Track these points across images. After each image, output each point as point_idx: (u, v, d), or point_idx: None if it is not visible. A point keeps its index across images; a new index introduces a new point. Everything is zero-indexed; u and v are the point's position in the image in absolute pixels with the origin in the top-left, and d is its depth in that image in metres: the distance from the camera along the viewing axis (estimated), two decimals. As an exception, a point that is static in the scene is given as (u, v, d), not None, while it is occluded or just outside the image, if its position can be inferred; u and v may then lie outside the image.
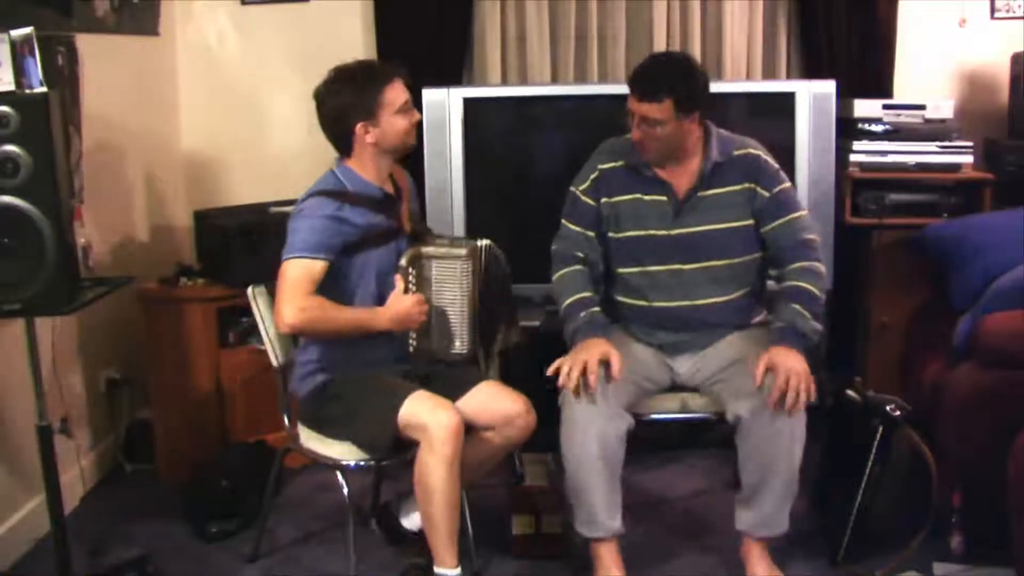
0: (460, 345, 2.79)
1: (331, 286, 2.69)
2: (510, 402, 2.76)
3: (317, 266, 2.64)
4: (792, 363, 2.64)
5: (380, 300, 2.74)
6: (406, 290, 2.72)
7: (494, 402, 2.76)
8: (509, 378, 2.98)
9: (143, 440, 3.66)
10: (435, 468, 2.55)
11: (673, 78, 2.74)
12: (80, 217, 2.91)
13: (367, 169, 2.77)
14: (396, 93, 2.72)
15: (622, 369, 2.70)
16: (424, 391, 2.65)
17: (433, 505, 2.58)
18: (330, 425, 2.75)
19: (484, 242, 2.84)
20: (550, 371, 2.71)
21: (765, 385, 2.65)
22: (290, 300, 2.61)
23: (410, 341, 2.76)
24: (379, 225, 2.76)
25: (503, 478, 3.16)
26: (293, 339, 2.88)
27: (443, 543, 2.61)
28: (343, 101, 2.69)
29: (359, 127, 2.70)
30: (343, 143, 2.76)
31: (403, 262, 2.72)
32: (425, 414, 2.57)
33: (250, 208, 3.78)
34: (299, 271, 2.63)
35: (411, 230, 2.84)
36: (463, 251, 2.75)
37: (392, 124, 2.72)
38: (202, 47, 4.19)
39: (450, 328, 2.78)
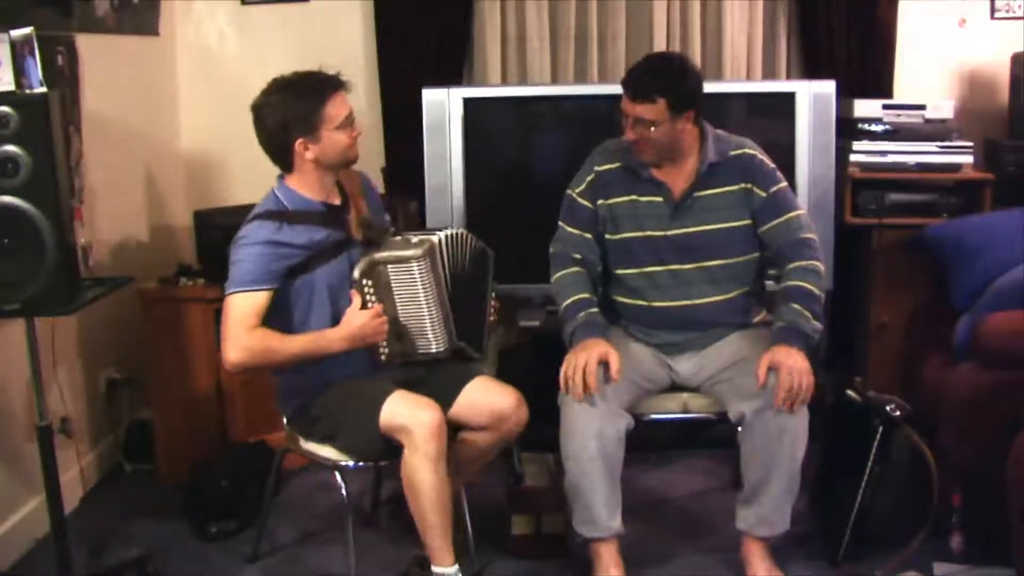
0: (435, 344, 2.70)
1: (282, 312, 2.63)
2: (501, 398, 2.75)
3: (260, 298, 2.57)
4: (794, 362, 2.64)
5: (337, 317, 2.65)
6: (364, 303, 2.63)
7: (486, 400, 2.74)
8: (509, 378, 2.97)
9: (143, 440, 3.66)
10: (420, 467, 2.52)
11: (666, 78, 2.74)
12: (80, 217, 2.92)
13: (309, 185, 2.68)
14: (337, 107, 2.63)
15: (621, 369, 2.70)
16: (403, 391, 2.61)
17: (423, 505, 2.56)
18: (320, 439, 2.74)
19: (443, 233, 2.75)
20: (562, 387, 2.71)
21: (768, 384, 2.66)
22: (233, 340, 2.55)
23: (381, 350, 2.68)
24: (325, 240, 2.67)
25: (503, 478, 3.16)
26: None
27: (437, 542, 2.60)
28: (282, 116, 2.60)
29: (299, 144, 2.61)
30: (283, 159, 2.67)
31: (356, 274, 2.63)
32: (405, 415, 2.54)
33: (250, 208, 3.76)
34: (241, 306, 2.56)
35: (363, 237, 2.75)
36: (418, 251, 2.63)
37: (333, 140, 2.63)
38: (202, 47, 4.19)
39: (420, 329, 2.68)
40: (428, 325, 2.68)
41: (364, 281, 2.63)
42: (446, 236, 2.76)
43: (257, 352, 2.57)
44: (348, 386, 2.68)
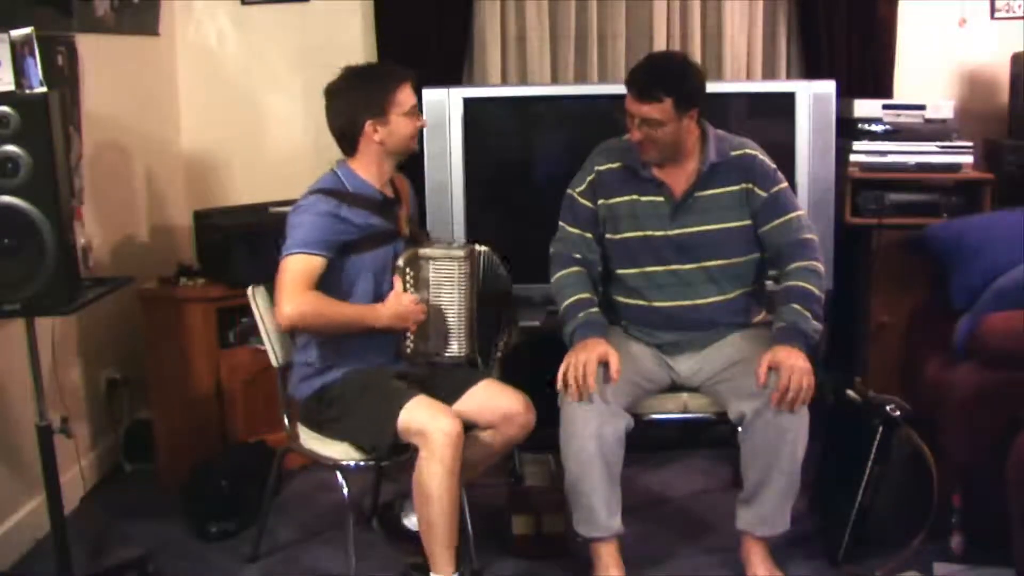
0: (457, 348, 2.79)
1: (329, 284, 2.68)
2: (510, 400, 2.76)
3: (316, 262, 2.64)
4: (795, 361, 2.64)
5: (376, 301, 2.73)
6: (404, 289, 2.72)
7: (494, 401, 2.76)
8: (509, 378, 2.97)
9: (143, 440, 3.66)
10: (435, 475, 2.54)
11: (671, 77, 2.74)
12: (80, 217, 2.91)
13: (369, 170, 2.77)
14: (406, 95, 2.73)
15: (620, 369, 2.70)
16: (424, 396, 2.63)
17: (432, 511, 2.57)
18: (329, 427, 2.75)
19: (483, 248, 2.85)
20: (559, 386, 2.71)
21: (768, 384, 2.66)
22: (290, 295, 2.61)
23: (407, 342, 2.76)
24: (377, 226, 2.75)
25: (503, 478, 3.16)
26: (292, 340, 2.87)
27: (440, 549, 2.60)
28: (354, 98, 2.70)
29: (368, 125, 2.71)
30: (349, 141, 2.76)
31: (400, 262, 2.74)
32: (425, 420, 2.56)
33: (250, 208, 3.78)
34: (298, 266, 2.62)
35: (408, 234, 2.84)
36: (460, 253, 2.77)
37: (400, 125, 2.73)
38: (202, 47, 4.18)
39: (447, 330, 2.78)
40: (455, 326, 2.78)
41: (407, 270, 2.73)
42: (486, 250, 2.85)
43: (311, 310, 2.62)
44: (372, 380, 2.71)
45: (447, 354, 2.80)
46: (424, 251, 2.77)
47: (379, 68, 2.79)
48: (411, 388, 2.67)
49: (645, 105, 2.73)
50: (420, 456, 2.57)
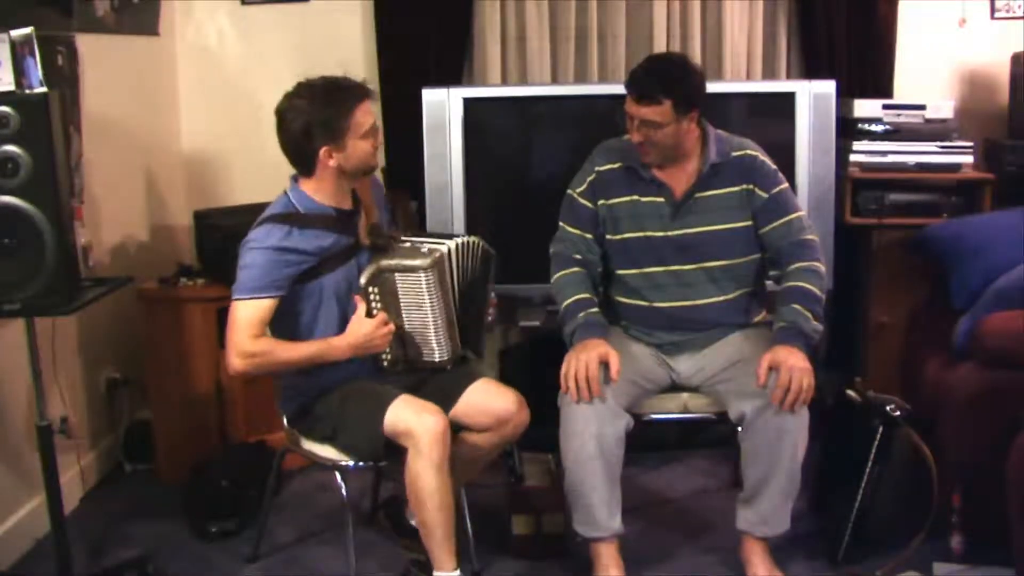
0: (439, 353, 2.69)
1: (289, 316, 2.62)
2: (503, 402, 2.74)
3: (264, 305, 2.56)
4: (795, 361, 2.64)
5: (344, 321, 2.64)
6: (368, 311, 2.60)
7: (488, 404, 2.74)
8: (509, 378, 2.98)
9: (143, 440, 3.66)
10: (424, 473, 2.52)
11: (671, 79, 2.74)
12: (80, 217, 2.91)
13: (325, 191, 2.66)
14: (364, 115, 2.61)
15: (620, 370, 2.70)
16: (408, 395, 2.60)
17: (426, 510, 2.56)
18: (321, 439, 2.74)
19: (454, 243, 2.73)
20: (561, 387, 2.71)
21: (768, 384, 2.66)
22: (237, 346, 2.55)
23: (383, 356, 2.67)
24: (334, 246, 2.66)
25: (503, 478, 3.16)
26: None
27: (439, 546, 2.60)
28: (307, 121, 2.57)
29: (323, 151, 2.59)
30: (304, 164, 2.64)
31: (362, 281, 2.60)
32: (410, 419, 2.54)
33: (250, 208, 3.75)
34: (245, 314, 2.55)
35: (371, 243, 2.72)
36: (426, 261, 2.59)
37: (357, 148, 2.61)
38: (202, 47, 4.19)
39: (424, 338, 2.68)
40: (433, 334, 2.67)
41: (370, 288, 2.61)
42: (456, 245, 2.74)
43: (260, 360, 2.57)
44: (351, 388, 2.67)
45: (430, 360, 2.71)
46: (386, 263, 2.61)
47: (334, 87, 2.60)
48: (394, 390, 2.62)
49: (645, 107, 2.73)
50: (409, 455, 2.55)
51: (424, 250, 2.67)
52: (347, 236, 2.70)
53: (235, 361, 2.57)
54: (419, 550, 2.79)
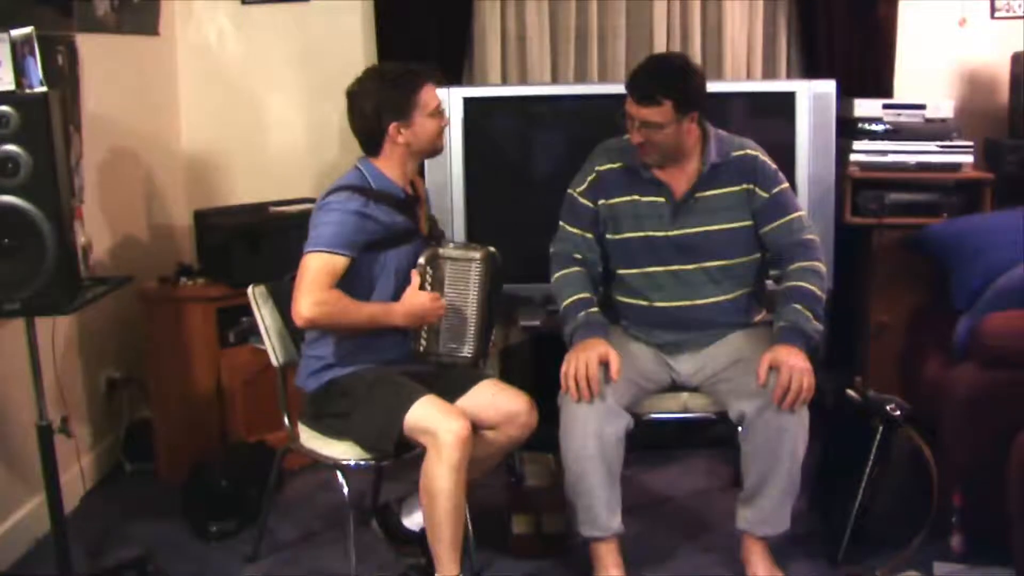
0: (467, 350, 2.77)
1: (351, 282, 2.67)
2: (512, 400, 2.76)
3: (339, 261, 2.62)
4: (795, 361, 2.65)
5: (396, 298, 2.72)
6: (422, 287, 2.70)
7: (496, 400, 2.75)
8: (509, 378, 2.98)
9: (143, 440, 3.66)
10: (442, 475, 2.54)
11: (671, 80, 2.74)
12: (80, 217, 2.91)
13: (393, 170, 2.75)
14: (430, 96, 2.72)
15: (620, 369, 2.70)
16: (433, 396, 2.63)
17: (438, 511, 2.57)
18: (334, 422, 2.74)
19: (491, 249, 2.83)
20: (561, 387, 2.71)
21: (768, 384, 2.66)
22: (308, 293, 2.59)
23: (421, 341, 2.74)
24: (400, 225, 2.75)
25: (503, 478, 3.16)
26: (299, 334, 2.86)
27: (446, 549, 2.60)
28: (378, 100, 2.68)
29: (392, 127, 2.69)
30: (373, 142, 2.74)
31: (422, 260, 2.71)
32: (435, 420, 2.56)
33: (250, 208, 3.78)
34: (320, 265, 2.60)
35: (428, 233, 2.84)
36: (477, 254, 2.74)
37: (424, 126, 2.72)
38: (202, 47, 4.18)
39: (460, 331, 2.76)
40: (469, 327, 2.76)
41: (427, 268, 2.71)
42: (495, 252, 2.82)
43: (330, 308, 2.60)
44: (381, 376, 2.70)
45: (458, 355, 2.78)
46: (443, 251, 2.75)
47: (402, 68, 2.74)
48: (421, 387, 2.67)
49: (645, 108, 2.72)
50: (428, 456, 2.57)
51: (472, 247, 2.80)
52: (410, 220, 2.78)
53: (304, 307, 2.58)
54: (415, 555, 2.79)
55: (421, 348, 2.75)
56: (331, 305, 2.60)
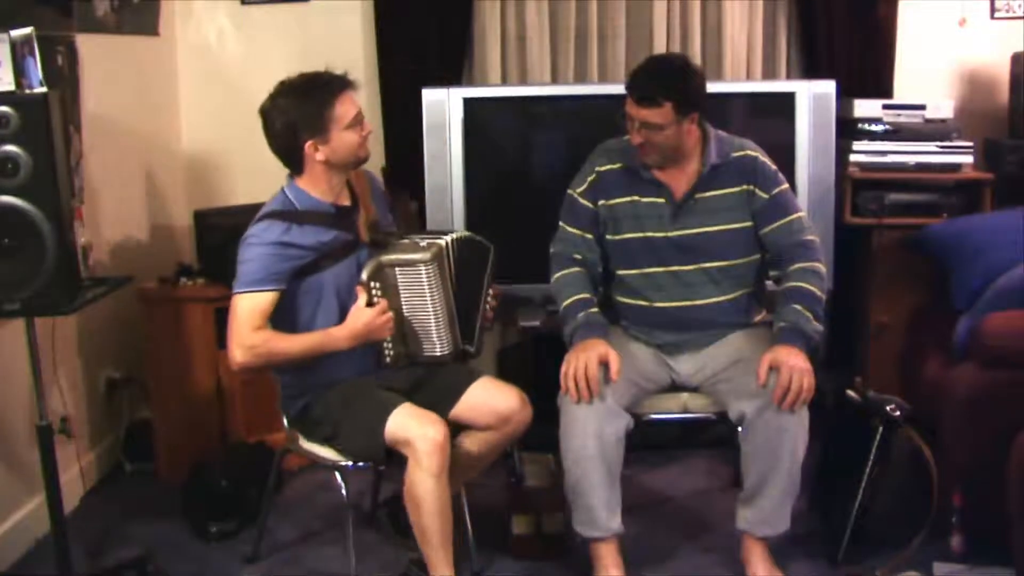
0: (440, 347, 2.70)
1: (289, 312, 2.63)
2: (506, 400, 2.75)
3: (265, 298, 2.57)
4: (795, 361, 2.65)
5: (344, 317, 2.64)
6: (369, 302, 2.60)
7: (490, 402, 2.74)
8: (509, 378, 2.97)
9: (143, 440, 3.66)
10: (423, 482, 2.53)
11: (671, 81, 2.74)
12: (80, 217, 2.91)
13: (318, 186, 2.68)
14: (346, 107, 2.62)
15: (620, 370, 2.70)
16: (409, 404, 2.60)
17: (423, 517, 2.56)
18: (322, 440, 2.74)
19: (450, 237, 2.74)
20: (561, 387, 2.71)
21: (768, 384, 2.66)
22: (238, 339, 2.56)
23: (387, 352, 2.67)
24: (333, 242, 2.67)
25: (503, 478, 3.16)
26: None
27: (436, 552, 2.60)
28: (290, 118, 2.59)
29: (308, 145, 2.61)
30: (292, 161, 2.66)
31: (364, 276, 2.61)
32: (411, 429, 2.54)
33: (250, 208, 3.73)
34: (246, 306, 2.57)
35: (372, 239, 2.74)
36: (426, 255, 2.61)
37: (343, 140, 2.63)
38: (202, 47, 4.18)
39: (426, 332, 2.68)
40: (434, 328, 2.68)
41: (372, 283, 2.62)
42: (452, 239, 2.74)
43: (262, 352, 2.58)
44: (353, 388, 2.68)
45: (433, 355, 2.71)
46: (387, 258, 2.63)
47: (313, 81, 2.63)
48: (396, 397, 2.63)
49: (645, 109, 2.72)
50: (408, 465, 2.55)
51: (423, 244, 2.68)
52: (346, 232, 2.71)
53: (237, 353, 2.57)
54: (417, 549, 2.78)
55: (388, 360, 2.68)
56: (260, 347, 2.56)
